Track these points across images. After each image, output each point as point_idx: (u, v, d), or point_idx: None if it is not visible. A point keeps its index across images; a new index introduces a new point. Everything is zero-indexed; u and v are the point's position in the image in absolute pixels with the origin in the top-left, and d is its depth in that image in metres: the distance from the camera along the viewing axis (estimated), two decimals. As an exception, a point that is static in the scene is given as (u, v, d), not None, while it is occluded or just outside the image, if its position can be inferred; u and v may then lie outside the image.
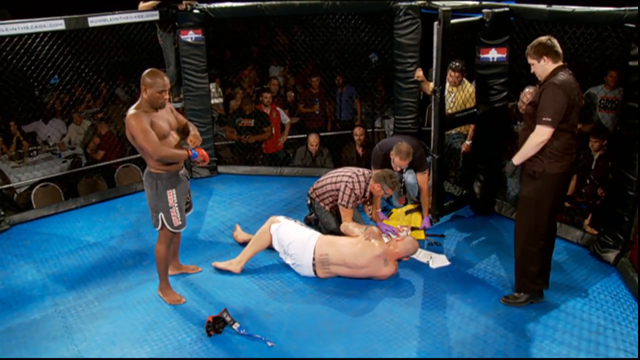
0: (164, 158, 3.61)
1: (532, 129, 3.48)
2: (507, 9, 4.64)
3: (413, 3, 5.47)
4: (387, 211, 5.21)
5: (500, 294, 3.93)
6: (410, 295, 4.02)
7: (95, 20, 5.42)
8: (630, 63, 3.99)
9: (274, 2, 5.95)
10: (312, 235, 4.24)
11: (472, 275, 4.26)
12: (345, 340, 3.51)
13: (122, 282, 4.26)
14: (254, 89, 8.35)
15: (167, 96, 3.60)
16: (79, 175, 6.66)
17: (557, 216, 4.06)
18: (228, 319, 3.60)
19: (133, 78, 7.61)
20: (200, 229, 5.12)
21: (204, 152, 3.78)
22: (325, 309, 3.86)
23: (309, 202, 4.94)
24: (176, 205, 3.73)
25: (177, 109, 4.08)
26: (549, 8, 4.38)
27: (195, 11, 5.94)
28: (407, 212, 5.07)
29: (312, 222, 4.97)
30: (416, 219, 5.00)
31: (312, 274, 4.18)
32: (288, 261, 4.28)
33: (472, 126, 5.33)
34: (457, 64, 5.32)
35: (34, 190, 6.07)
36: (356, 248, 4.08)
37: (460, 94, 5.39)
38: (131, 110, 3.55)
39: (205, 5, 6.00)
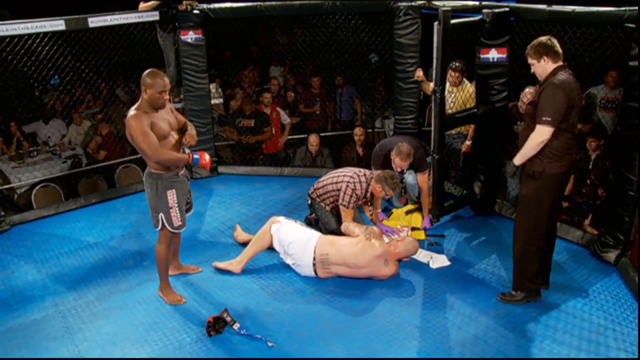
0: (163, 161, 3.61)
1: (532, 129, 3.49)
2: (507, 9, 4.64)
3: (413, 3, 5.47)
4: (387, 211, 5.21)
5: (501, 294, 3.94)
6: (411, 295, 4.02)
7: (96, 21, 5.42)
8: (631, 63, 3.99)
9: (274, 3, 5.95)
10: (313, 235, 4.25)
11: (472, 276, 4.26)
12: (346, 341, 3.51)
13: (122, 282, 4.26)
14: (254, 89, 8.36)
15: (167, 97, 3.60)
16: (79, 176, 6.66)
17: (557, 216, 4.07)
18: (228, 319, 3.60)
19: (133, 78, 7.62)
20: (201, 229, 5.12)
21: (206, 158, 3.77)
22: (326, 309, 3.87)
23: (309, 202, 4.95)
24: (176, 205, 3.74)
25: (177, 110, 4.08)
26: (549, 8, 4.38)
27: (196, 11, 5.94)
28: (407, 213, 5.07)
29: (313, 222, 4.97)
30: (416, 219, 5.00)
31: (312, 274, 4.18)
32: (288, 261, 4.28)
33: (472, 126, 5.33)
34: (457, 64, 5.32)
35: (34, 191, 6.07)
36: (356, 248, 4.08)
37: (460, 94, 5.39)
38: (131, 111, 3.55)
39: (205, 6, 6.00)
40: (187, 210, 3.96)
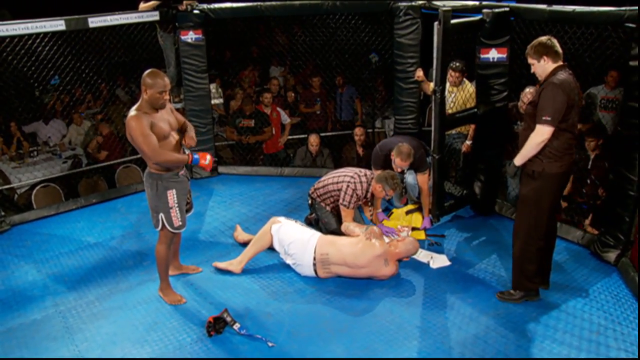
0: (163, 163, 3.61)
1: (532, 129, 3.49)
2: (507, 9, 4.63)
3: (413, 3, 5.47)
4: (387, 211, 5.21)
5: (501, 294, 3.94)
6: (411, 295, 4.02)
7: (96, 21, 5.42)
8: (631, 63, 3.98)
9: (274, 3, 5.95)
10: (313, 235, 4.25)
11: (472, 276, 4.26)
12: (346, 341, 3.51)
13: (122, 283, 4.26)
14: (254, 89, 8.36)
15: (167, 97, 3.60)
16: (79, 176, 6.66)
17: (557, 216, 4.07)
18: (229, 319, 3.60)
19: (133, 78, 7.63)
20: (201, 229, 5.12)
21: (207, 159, 3.76)
22: (326, 309, 3.87)
23: (309, 202, 4.94)
24: (176, 205, 3.73)
25: (177, 110, 4.09)
26: (549, 8, 4.38)
27: (196, 12, 5.94)
28: (407, 213, 5.07)
29: (313, 222, 4.97)
30: (417, 219, 5.00)
31: (312, 273, 4.18)
32: (288, 261, 4.28)
33: (473, 126, 5.33)
34: (457, 64, 5.32)
35: (34, 191, 6.07)
36: (357, 248, 4.08)
37: (460, 94, 5.38)
38: (131, 112, 3.55)
39: (205, 6, 6.00)
40: (188, 211, 3.96)
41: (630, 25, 3.94)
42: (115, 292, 4.13)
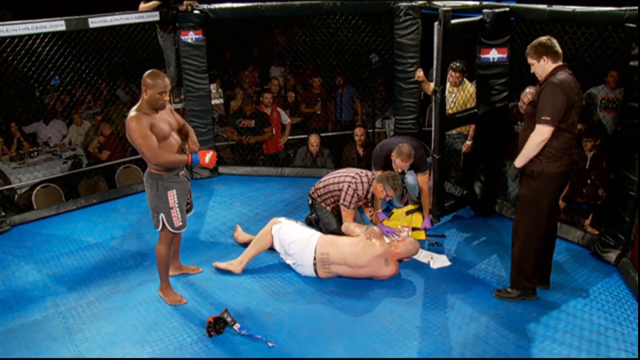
0: (162, 164, 3.61)
1: (532, 129, 3.49)
2: (507, 9, 4.63)
3: (413, 3, 5.47)
4: (388, 211, 5.21)
5: (501, 294, 3.94)
6: (411, 295, 4.02)
7: (96, 21, 5.43)
8: (631, 63, 3.98)
9: (274, 3, 5.95)
10: (313, 235, 4.25)
11: (472, 276, 4.26)
12: (346, 341, 3.51)
13: (122, 283, 4.27)
14: (255, 89, 8.36)
15: (167, 97, 3.60)
16: (79, 176, 6.67)
17: (556, 216, 4.06)
18: (229, 319, 3.60)
19: (133, 79, 7.62)
20: (201, 229, 5.12)
21: (207, 158, 3.75)
22: (326, 309, 3.87)
23: (310, 202, 4.94)
24: (177, 206, 3.74)
25: (177, 110, 4.08)
26: (549, 8, 4.38)
27: (196, 12, 5.95)
28: (407, 213, 5.06)
29: (313, 222, 4.97)
30: (417, 220, 5.00)
31: (312, 273, 4.18)
32: (289, 261, 4.28)
33: (473, 126, 5.33)
34: (457, 64, 5.32)
35: (34, 191, 6.08)
36: (357, 247, 4.08)
37: (460, 94, 5.38)
38: (131, 112, 3.55)
39: (205, 6, 6.00)
40: (188, 211, 3.96)
41: (631, 25, 3.94)
42: (116, 293, 4.14)
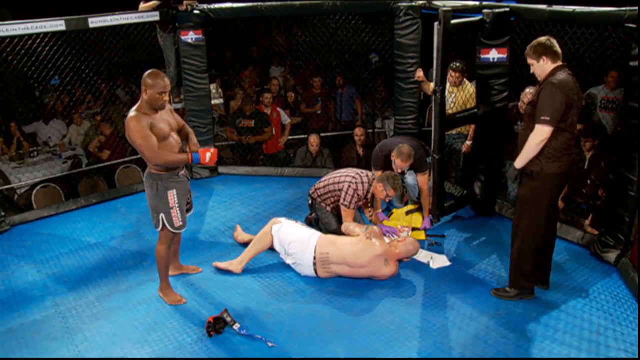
0: (163, 164, 3.61)
1: (531, 129, 3.49)
2: (507, 9, 4.64)
3: (414, 3, 5.47)
4: (388, 211, 5.21)
5: (501, 294, 3.94)
6: (411, 295, 4.02)
7: (96, 21, 5.43)
8: (631, 63, 3.98)
9: (274, 3, 5.95)
10: (313, 235, 4.25)
11: (472, 276, 4.26)
12: (346, 341, 3.51)
13: (122, 283, 4.26)
14: (255, 89, 8.36)
15: (167, 98, 3.60)
16: (79, 176, 6.66)
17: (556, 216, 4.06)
18: (229, 319, 3.60)
19: (134, 79, 7.62)
20: (201, 229, 5.12)
21: (208, 156, 3.73)
22: (326, 309, 3.87)
23: (310, 202, 4.95)
24: (177, 206, 3.73)
25: (177, 110, 4.08)
26: (549, 8, 4.38)
27: (196, 12, 5.95)
28: (407, 213, 5.07)
29: (313, 222, 4.97)
30: (417, 220, 5.00)
31: (312, 273, 4.18)
32: (289, 261, 4.28)
33: (473, 126, 5.33)
34: (457, 64, 5.32)
35: (34, 191, 6.07)
36: (357, 247, 4.08)
37: (460, 95, 5.39)
38: (131, 113, 3.55)
39: (205, 6, 6.00)
40: (188, 211, 3.96)
41: (631, 25, 3.95)
42: (116, 293, 4.14)
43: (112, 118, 7.44)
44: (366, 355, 3.39)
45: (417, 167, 4.92)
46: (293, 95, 8.14)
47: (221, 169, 6.57)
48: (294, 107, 7.86)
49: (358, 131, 6.45)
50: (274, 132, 6.88)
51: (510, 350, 3.40)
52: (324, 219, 4.81)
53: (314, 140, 6.55)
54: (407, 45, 5.59)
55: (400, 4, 5.49)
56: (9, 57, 5.53)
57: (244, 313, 3.79)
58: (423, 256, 4.50)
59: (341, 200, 4.62)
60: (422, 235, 4.86)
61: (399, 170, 4.82)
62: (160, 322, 3.75)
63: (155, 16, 5.81)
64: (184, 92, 6.28)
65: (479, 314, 3.75)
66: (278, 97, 7.71)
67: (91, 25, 5.42)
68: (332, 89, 7.64)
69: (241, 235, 4.78)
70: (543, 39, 3.53)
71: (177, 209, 3.74)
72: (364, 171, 4.76)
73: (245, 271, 4.31)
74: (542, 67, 3.51)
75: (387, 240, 4.36)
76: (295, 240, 4.23)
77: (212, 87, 6.80)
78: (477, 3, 4.92)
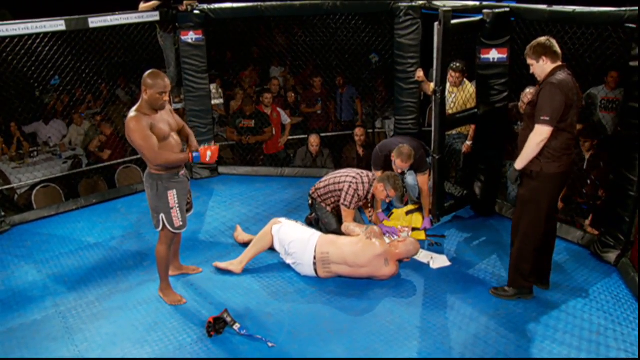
0: (164, 164, 3.61)
1: (531, 129, 3.49)
2: (507, 9, 4.64)
3: (414, 3, 5.47)
4: (388, 211, 5.21)
5: (501, 294, 3.95)
6: (411, 295, 4.02)
7: (96, 21, 5.43)
8: (631, 63, 3.98)
9: (274, 3, 5.95)
10: (313, 235, 4.25)
11: (472, 276, 4.26)
12: (346, 341, 3.51)
13: (122, 283, 4.26)
14: (255, 89, 8.36)
15: (167, 98, 3.60)
16: (79, 176, 6.67)
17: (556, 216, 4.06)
18: (229, 319, 3.60)
19: (133, 79, 7.62)
20: (201, 229, 5.12)
21: (208, 154, 3.72)
22: (326, 309, 3.87)
23: (310, 202, 4.95)
24: (177, 206, 3.73)
25: (177, 110, 4.08)
26: (549, 8, 4.38)
27: (196, 12, 5.94)
28: (407, 213, 5.07)
29: (313, 222, 4.97)
30: (417, 220, 5.00)
31: (312, 273, 4.18)
32: (289, 261, 4.28)
33: (473, 126, 5.33)
34: (457, 64, 5.32)
35: (34, 191, 6.07)
36: (357, 247, 4.08)
37: (460, 95, 5.39)
38: (131, 113, 3.54)
39: (205, 6, 6.00)
40: (188, 211, 3.96)
41: (631, 25, 3.94)
42: (116, 293, 4.13)
43: (112, 118, 7.44)
44: (366, 355, 3.39)
45: (417, 167, 4.92)
46: (293, 95, 8.14)
47: (221, 169, 6.57)
48: (294, 107, 7.86)
49: (358, 131, 6.45)
50: (274, 132, 6.88)
51: (510, 350, 3.40)
52: (324, 219, 4.81)
53: (314, 140, 6.55)
54: (407, 45, 5.59)
55: (400, 4, 5.49)
56: (9, 57, 5.53)
57: (244, 313, 3.79)
58: (423, 256, 4.50)
59: (341, 200, 4.62)
60: (422, 235, 4.86)
61: (399, 171, 4.82)
62: (160, 322, 3.75)
63: (155, 16, 5.81)
64: (184, 92, 6.28)
65: (479, 314, 3.75)
66: (278, 97, 7.71)
67: (91, 25, 5.42)
68: (332, 89, 7.64)
69: (241, 235, 4.78)
70: (542, 39, 3.53)
71: (177, 209, 3.74)
72: (364, 171, 4.76)
73: (245, 271, 4.31)
74: (541, 67, 3.51)
75: (387, 240, 4.36)
76: (296, 239, 4.23)
77: (212, 87, 6.80)
78: (477, 3, 4.92)
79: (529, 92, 4.97)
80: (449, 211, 5.09)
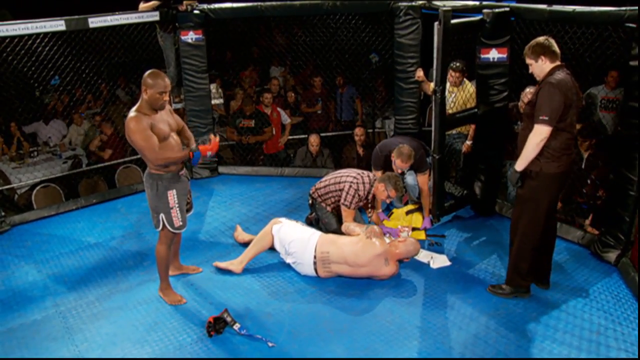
0: (164, 163, 3.60)
1: (531, 129, 3.49)
2: (507, 9, 4.63)
3: (413, 3, 5.47)
4: (388, 211, 5.21)
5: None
6: (411, 295, 4.02)
7: (96, 21, 5.43)
8: (631, 63, 3.98)
9: (274, 3, 5.95)
10: (313, 234, 4.25)
11: (472, 276, 4.26)
12: (346, 341, 3.51)
13: (122, 283, 4.26)
14: (255, 89, 8.36)
15: (167, 98, 3.60)
16: (79, 176, 6.67)
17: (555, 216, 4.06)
18: (229, 319, 3.60)
19: (133, 79, 7.62)
20: (201, 229, 5.12)
21: (207, 154, 3.74)
22: (326, 309, 3.87)
23: (310, 202, 4.95)
24: (177, 205, 3.73)
25: (177, 110, 4.08)
26: (549, 8, 4.38)
27: (196, 12, 5.94)
28: (407, 213, 5.07)
29: (313, 222, 4.97)
30: (417, 220, 5.00)
31: (312, 272, 4.18)
32: (289, 261, 4.28)
33: (473, 126, 5.33)
34: (457, 64, 5.32)
35: (34, 191, 6.07)
36: (357, 246, 4.08)
37: (460, 94, 5.39)
38: (131, 113, 3.54)
39: (205, 6, 6.00)
40: (188, 211, 3.96)
41: (631, 25, 3.94)
42: (116, 293, 4.14)
43: (112, 118, 7.44)
44: (366, 355, 3.39)
45: (417, 167, 4.92)
46: (293, 95, 8.14)
47: (221, 169, 6.57)
48: (294, 107, 7.86)
49: (358, 131, 6.45)
50: (274, 132, 6.88)
51: (510, 350, 3.40)
52: (324, 218, 4.81)
53: (314, 140, 6.55)
54: (407, 45, 5.59)
55: (400, 4, 5.49)
56: (9, 57, 5.52)
57: (244, 313, 3.80)
58: (423, 256, 4.50)
59: (342, 200, 4.62)
60: (422, 235, 4.86)
61: (399, 171, 4.82)
62: (160, 322, 3.75)
63: (155, 16, 5.81)
64: (184, 92, 6.28)
65: (479, 313, 3.75)
66: (278, 97, 7.71)
67: (91, 25, 5.41)
68: (332, 88, 7.64)
69: (241, 235, 4.78)
70: (541, 38, 3.53)
71: (177, 208, 3.74)
72: (364, 172, 4.76)
73: (245, 271, 4.31)
74: (540, 67, 3.51)
75: (387, 240, 4.35)
76: (296, 239, 4.23)
77: (212, 87, 6.81)
78: (477, 3, 4.92)
79: (529, 92, 4.96)
80: (449, 211, 5.09)
